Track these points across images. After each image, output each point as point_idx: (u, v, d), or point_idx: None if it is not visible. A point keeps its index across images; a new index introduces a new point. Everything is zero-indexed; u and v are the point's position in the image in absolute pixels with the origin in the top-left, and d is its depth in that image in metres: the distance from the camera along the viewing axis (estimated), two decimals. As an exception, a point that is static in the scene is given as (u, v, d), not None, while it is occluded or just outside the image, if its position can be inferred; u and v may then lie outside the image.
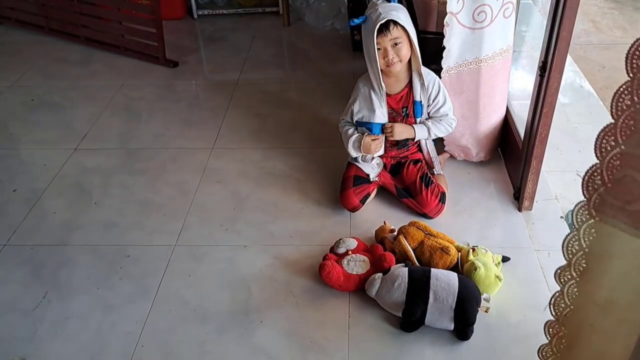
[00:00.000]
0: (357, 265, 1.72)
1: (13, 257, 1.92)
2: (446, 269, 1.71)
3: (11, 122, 2.67)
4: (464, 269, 1.70)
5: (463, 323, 1.55)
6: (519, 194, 2.01)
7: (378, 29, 1.75)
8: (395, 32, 1.78)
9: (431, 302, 1.55)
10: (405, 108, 1.96)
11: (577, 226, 0.88)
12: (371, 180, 2.03)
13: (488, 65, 1.98)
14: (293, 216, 2.03)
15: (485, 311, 1.60)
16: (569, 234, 0.90)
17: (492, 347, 1.56)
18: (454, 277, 1.60)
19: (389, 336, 1.60)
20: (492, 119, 2.13)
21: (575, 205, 0.87)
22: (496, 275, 1.65)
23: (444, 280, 1.58)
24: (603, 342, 0.95)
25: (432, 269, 1.63)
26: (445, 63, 1.96)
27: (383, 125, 1.95)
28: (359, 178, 2.02)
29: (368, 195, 2.03)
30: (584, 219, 0.87)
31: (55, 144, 2.50)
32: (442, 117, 1.99)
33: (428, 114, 2.00)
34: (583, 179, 0.84)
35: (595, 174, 0.84)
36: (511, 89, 2.40)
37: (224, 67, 3.13)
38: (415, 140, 2.02)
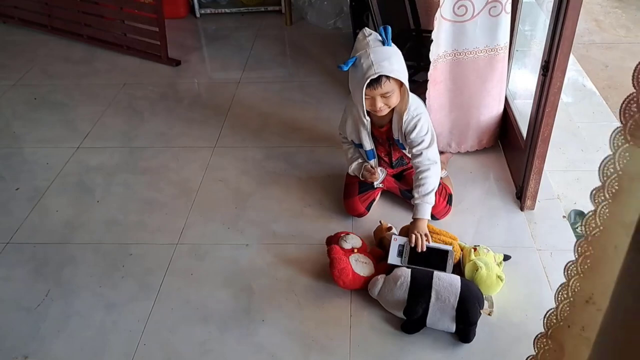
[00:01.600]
0: (363, 266, 1.71)
1: (16, 255, 1.92)
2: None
3: (14, 121, 2.68)
4: (465, 268, 1.70)
5: (465, 323, 1.55)
6: (521, 193, 2.00)
7: (368, 83, 1.63)
8: (387, 86, 1.65)
9: (433, 301, 1.55)
10: (389, 139, 1.92)
11: (612, 150, 0.93)
12: (375, 187, 2.01)
13: (469, 60, 2.01)
14: (295, 215, 2.03)
15: (489, 314, 1.60)
16: (605, 158, 0.95)
17: (494, 346, 1.56)
18: (456, 278, 1.60)
19: (391, 335, 1.60)
20: (473, 113, 2.17)
21: (613, 131, 0.91)
22: (497, 275, 1.65)
23: (446, 281, 1.58)
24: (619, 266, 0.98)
25: (435, 271, 1.63)
26: (431, 55, 1.99)
27: (411, 242, 1.75)
28: (364, 184, 1.99)
29: (373, 200, 2.02)
30: (619, 144, 0.91)
31: (58, 142, 2.50)
32: (422, 159, 1.79)
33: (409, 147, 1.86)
34: (620, 107, 0.89)
35: (632, 102, 0.88)
36: (514, 88, 2.40)
37: (226, 66, 3.13)
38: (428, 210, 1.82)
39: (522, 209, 2.00)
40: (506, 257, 1.78)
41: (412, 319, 1.58)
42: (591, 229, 1.03)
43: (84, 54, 3.26)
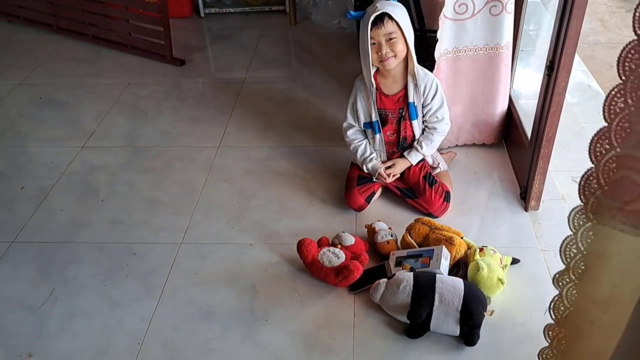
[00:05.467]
0: (328, 257, 1.73)
1: (20, 254, 1.93)
2: (452, 259, 1.72)
3: (19, 120, 2.69)
4: (468, 268, 1.70)
5: (469, 325, 1.54)
6: (525, 193, 2.00)
7: (373, 22, 1.75)
8: (389, 26, 1.77)
9: (436, 304, 1.54)
10: (401, 110, 1.96)
11: (574, 230, 0.89)
12: (374, 180, 2.03)
13: (469, 57, 2.04)
14: (299, 215, 2.03)
15: (490, 314, 1.60)
16: (565, 239, 0.91)
17: (498, 347, 1.56)
18: (459, 280, 1.60)
19: (395, 336, 1.59)
20: (473, 110, 2.20)
21: (571, 211, 0.87)
22: (499, 277, 1.64)
23: (449, 284, 1.57)
24: (603, 339, 0.95)
25: (437, 274, 1.63)
26: (436, 54, 2.02)
27: (383, 169, 1.99)
28: (362, 177, 2.03)
29: (373, 193, 2.03)
30: (581, 223, 0.88)
31: (63, 141, 2.51)
32: (436, 122, 1.98)
33: (423, 115, 1.98)
34: (579, 184, 0.85)
35: (591, 177, 0.84)
36: (518, 88, 2.39)
37: (230, 65, 3.13)
38: (414, 163, 2.02)
39: (526, 209, 2.00)
40: (515, 261, 1.77)
41: (415, 323, 1.57)
42: (560, 312, 1.00)
43: (89, 54, 3.27)
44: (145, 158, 2.38)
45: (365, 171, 2.03)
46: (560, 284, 0.97)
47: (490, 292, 1.65)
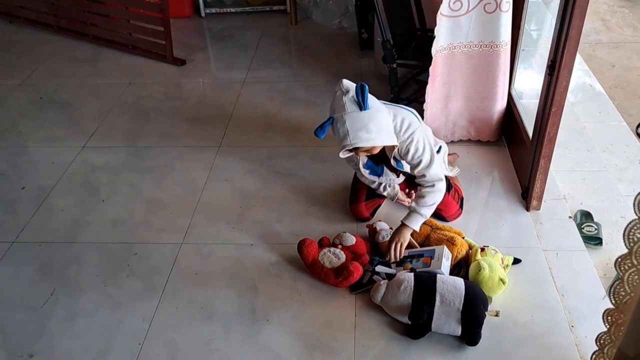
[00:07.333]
0: (329, 258, 1.73)
1: (22, 254, 1.93)
2: (453, 258, 1.71)
3: (20, 120, 2.69)
4: (469, 268, 1.70)
5: (471, 325, 1.54)
6: (527, 193, 2.00)
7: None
8: (364, 150, 1.66)
9: (438, 304, 1.54)
10: (384, 163, 1.88)
11: (639, 214, 0.88)
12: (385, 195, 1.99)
13: (463, 53, 2.07)
14: (299, 214, 2.03)
15: (495, 315, 1.60)
16: (630, 223, 0.90)
17: (500, 347, 1.55)
18: (460, 280, 1.59)
19: (396, 336, 1.59)
20: (468, 105, 2.22)
21: (637, 195, 0.86)
22: (500, 277, 1.64)
23: (450, 284, 1.57)
24: None
25: (438, 274, 1.63)
26: (432, 51, 2.03)
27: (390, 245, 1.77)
28: (372, 192, 1.96)
29: (379, 206, 2.02)
30: None
31: (64, 141, 2.51)
32: (428, 186, 1.76)
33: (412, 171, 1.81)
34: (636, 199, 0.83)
35: None
36: (520, 87, 2.39)
37: (231, 65, 3.13)
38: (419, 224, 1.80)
39: (527, 209, 1.99)
40: (516, 260, 1.77)
41: (417, 323, 1.57)
42: (621, 297, 0.99)
43: (90, 54, 3.27)
44: (146, 158, 2.38)
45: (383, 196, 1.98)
46: (623, 268, 0.96)
47: (491, 292, 1.64)
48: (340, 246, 1.79)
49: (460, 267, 1.73)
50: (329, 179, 2.19)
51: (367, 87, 1.60)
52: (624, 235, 0.92)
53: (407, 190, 1.99)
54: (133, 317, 1.68)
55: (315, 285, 1.75)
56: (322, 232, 1.91)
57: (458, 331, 1.55)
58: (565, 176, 2.17)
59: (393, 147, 1.72)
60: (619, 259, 0.96)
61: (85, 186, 2.23)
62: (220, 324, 1.65)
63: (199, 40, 3.47)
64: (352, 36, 3.28)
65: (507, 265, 1.73)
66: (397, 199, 1.97)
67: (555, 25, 1.68)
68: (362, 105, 1.59)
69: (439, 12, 1.96)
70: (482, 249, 1.72)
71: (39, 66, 3.15)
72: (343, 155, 1.67)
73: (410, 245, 1.78)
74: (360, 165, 1.87)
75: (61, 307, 1.73)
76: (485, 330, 1.56)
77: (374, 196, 1.98)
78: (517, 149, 2.19)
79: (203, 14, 3.67)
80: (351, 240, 1.80)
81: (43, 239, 1.99)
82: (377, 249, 1.84)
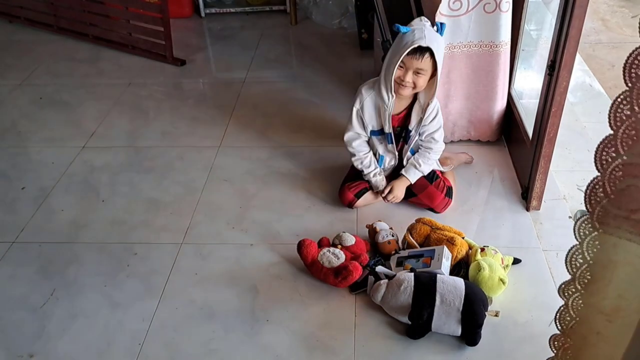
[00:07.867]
0: (328, 258, 1.73)
1: (21, 254, 1.93)
2: (453, 259, 1.71)
3: (20, 120, 2.69)
4: (469, 268, 1.70)
5: (471, 325, 1.54)
6: (527, 193, 2.00)
7: (412, 49, 1.68)
8: (425, 62, 1.72)
9: (438, 304, 1.54)
10: (399, 128, 1.95)
11: (579, 240, 0.88)
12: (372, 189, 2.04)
13: (463, 53, 2.08)
14: (300, 214, 2.03)
15: (495, 315, 1.60)
16: (571, 249, 0.90)
17: (500, 347, 1.55)
18: (460, 280, 1.59)
19: (396, 336, 1.59)
20: (467, 105, 2.22)
21: (577, 220, 0.87)
22: (500, 278, 1.64)
23: (450, 284, 1.57)
24: (609, 349, 0.95)
25: (438, 274, 1.63)
26: None
27: (383, 193, 1.99)
28: (358, 175, 2.04)
29: (365, 189, 2.02)
30: (587, 232, 0.87)
31: (64, 142, 2.51)
32: (432, 143, 1.96)
33: (419, 135, 1.95)
34: (585, 193, 0.84)
35: (597, 186, 0.84)
36: (520, 88, 2.39)
37: (231, 65, 3.13)
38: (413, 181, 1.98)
39: (527, 209, 2.00)
40: (516, 261, 1.77)
41: (417, 323, 1.57)
42: (566, 322, 1.00)
43: (90, 54, 3.26)
44: (146, 158, 2.38)
45: (368, 183, 2.02)
46: (566, 294, 0.97)
47: (491, 292, 1.64)
48: (339, 246, 1.79)
49: (460, 267, 1.73)
50: (329, 179, 2.19)
51: (445, 25, 1.80)
52: (565, 262, 0.93)
53: (388, 188, 1.99)
54: (133, 318, 1.68)
55: (315, 285, 1.75)
56: (321, 232, 1.91)
57: (458, 331, 1.55)
58: (565, 176, 2.17)
59: (422, 108, 1.87)
60: (563, 285, 0.97)
61: (85, 186, 2.23)
62: (220, 324, 1.65)
63: (199, 40, 3.47)
64: (352, 36, 3.28)
65: (507, 265, 1.73)
66: (379, 191, 2.00)
67: (555, 25, 1.68)
68: (440, 30, 1.77)
69: (438, 12, 1.96)
70: (482, 249, 1.72)
71: (39, 66, 3.15)
72: (395, 70, 1.73)
73: (410, 245, 1.78)
74: (387, 116, 1.88)
75: (61, 307, 1.73)
76: (485, 330, 1.56)
77: (357, 179, 2.03)
78: (517, 149, 2.19)
79: (203, 14, 3.67)
80: (351, 240, 1.80)
81: (43, 239, 1.99)
82: (377, 249, 1.84)
